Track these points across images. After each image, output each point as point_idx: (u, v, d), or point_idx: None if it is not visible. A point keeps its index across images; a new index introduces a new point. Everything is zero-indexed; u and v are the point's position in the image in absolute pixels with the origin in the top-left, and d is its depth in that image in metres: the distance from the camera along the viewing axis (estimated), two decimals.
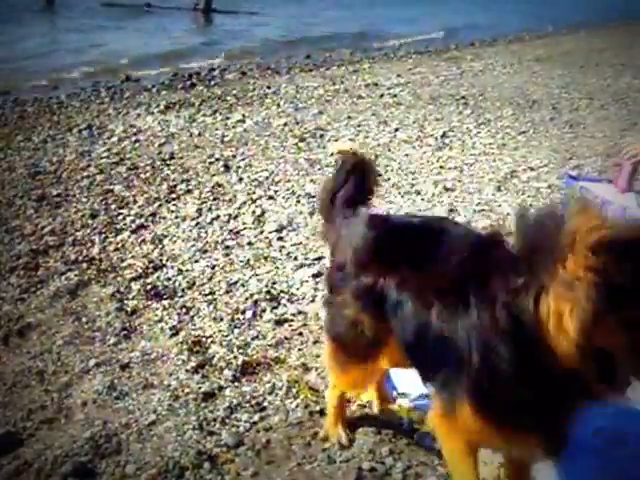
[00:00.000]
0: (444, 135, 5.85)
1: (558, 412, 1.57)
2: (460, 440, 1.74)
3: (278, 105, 6.91)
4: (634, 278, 1.34)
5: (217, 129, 6.02)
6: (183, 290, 3.30)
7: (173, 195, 4.47)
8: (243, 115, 6.47)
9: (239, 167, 5.01)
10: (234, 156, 5.26)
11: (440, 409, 1.75)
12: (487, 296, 1.56)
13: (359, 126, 6.10)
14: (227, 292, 3.28)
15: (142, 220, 4.06)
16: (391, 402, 2.44)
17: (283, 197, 4.43)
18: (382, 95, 7.39)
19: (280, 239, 3.84)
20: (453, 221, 2.04)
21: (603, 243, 1.34)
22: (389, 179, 4.75)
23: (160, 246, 3.75)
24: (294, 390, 2.55)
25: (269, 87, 7.75)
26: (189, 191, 4.53)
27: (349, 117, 6.41)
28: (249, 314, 3.07)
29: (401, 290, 1.80)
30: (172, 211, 4.22)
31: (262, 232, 3.93)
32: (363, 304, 1.91)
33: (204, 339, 2.89)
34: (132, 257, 3.62)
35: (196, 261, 3.58)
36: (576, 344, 1.39)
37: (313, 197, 4.42)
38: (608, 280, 1.33)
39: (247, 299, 3.20)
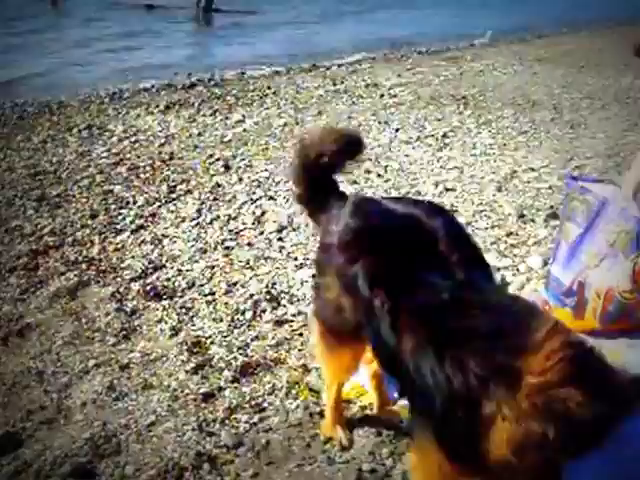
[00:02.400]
0: (444, 135, 5.84)
1: None
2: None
3: (278, 105, 6.90)
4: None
5: (217, 129, 6.01)
6: (183, 290, 3.29)
7: (173, 195, 4.46)
8: (243, 115, 6.46)
9: (239, 167, 5.01)
10: (234, 156, 5.25)
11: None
12: (459, 358, 1.49)
13: (359, 126, 6.09)
14: (227, 292, 3.27)
15: (142, 220, 4.06)
16: (391, 404, 2.43)
17: (283, 197, 4.43)
18: (382, 95, 7.38)
19: (280, 239, 3.84)
20: (449, 220, 1.86)
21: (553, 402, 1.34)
22: (389, 179, 4.75)
23: (160, 246, 3.75)
24: (294, 391, 2.54)
25: (269, 87, 7.74)
26: (189, 191, 4.53)
27: (349, 117, 6.41)
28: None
29: (374, 294, 1.71)
30: (172, 211, 4.21)
31: (262, 232, 3.92)
32: (344, 286, 1.87)
33: (204, 339, 2.89)
34: (132, 257, 3.62)
35: (196, 261, 3.58)
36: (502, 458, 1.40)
37: None
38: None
39: (247, 300, 3.20)
